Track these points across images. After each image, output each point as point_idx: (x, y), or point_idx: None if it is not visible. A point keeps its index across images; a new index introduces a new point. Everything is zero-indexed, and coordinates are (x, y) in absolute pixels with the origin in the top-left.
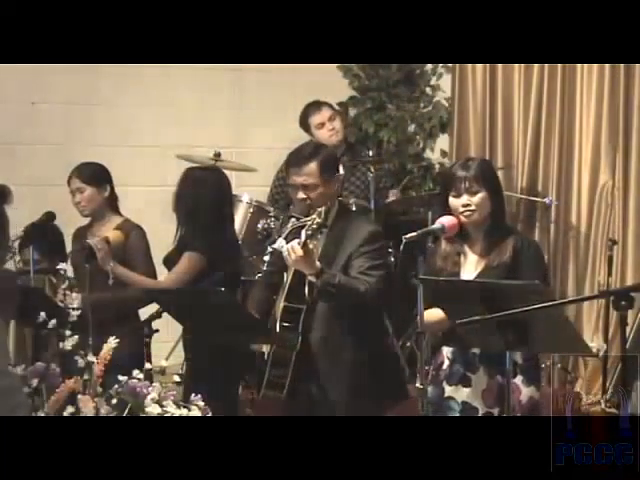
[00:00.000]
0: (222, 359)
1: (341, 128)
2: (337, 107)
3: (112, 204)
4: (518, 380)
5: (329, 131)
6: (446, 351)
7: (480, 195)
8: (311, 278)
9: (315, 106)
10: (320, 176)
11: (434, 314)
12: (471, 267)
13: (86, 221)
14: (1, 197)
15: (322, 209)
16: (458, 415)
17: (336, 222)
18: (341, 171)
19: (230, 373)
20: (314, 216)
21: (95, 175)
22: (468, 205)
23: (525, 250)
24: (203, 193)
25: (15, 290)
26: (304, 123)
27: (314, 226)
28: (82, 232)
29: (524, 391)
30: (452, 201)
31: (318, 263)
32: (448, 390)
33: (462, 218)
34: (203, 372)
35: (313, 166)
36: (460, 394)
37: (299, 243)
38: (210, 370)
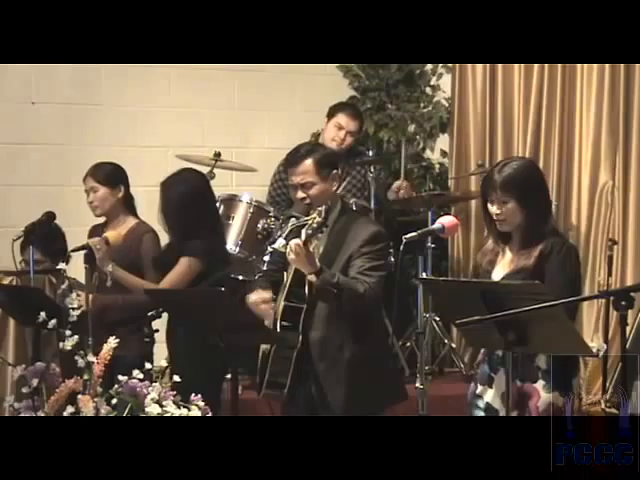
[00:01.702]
0: (203, 356)
1: (348, 144)
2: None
3: (127, 205)
4: (539, 385)
5: (338, 136)
6: (482, 350)
7: (509, 206)
8: (310, 277)
9: (353, 111)
10: (317, 174)
11: None
12: (502, 267)
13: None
14: None
15: (322, 208)
16: (483, 414)
17: (338, 221)
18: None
19: (211, 370)
20: (314, 215)
21: (109, 175)
22: (498, 214)
23: (553, 256)
24: (179, 193)
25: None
26: (332, 112)
27: (314, 225)
28: (97, 230)
29: (543, 397)
30: (489, 206)
31: (317, 262)
32: (479, 389)
33: (497, 225)
34: (183, 369)
35: (309, 164)
36: (487, 394)
37: (299, 242)
38: (190, 367)
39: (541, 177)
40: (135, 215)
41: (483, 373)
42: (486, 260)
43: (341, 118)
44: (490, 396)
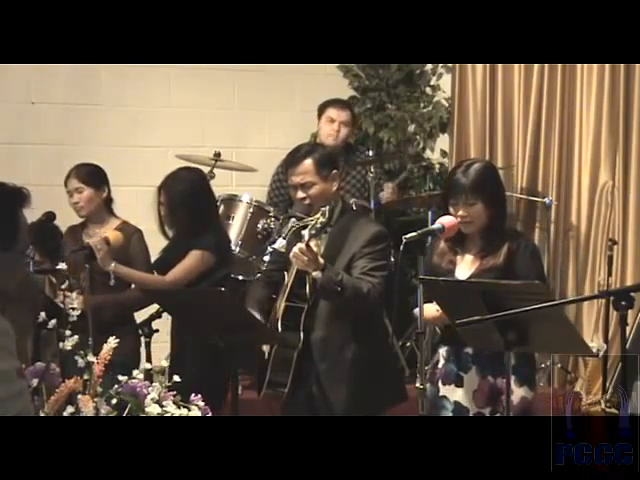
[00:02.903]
0: (208, 357)
1: (344, 136)
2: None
3: (108, 205)
4: (510, 380)
5: (332, 129)
6: (442, 350)
7: (476, 207)
8: (315, 274)
9: (342, 104)
10: (317, 174)
11: (431, 310)
12: (466, 266)
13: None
14: (17, 200)
15: (326, 208)
16: (451, 414)
17: (339, 221)
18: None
19: (215, 371)
20: (318, 215)
21: (94, 176)
22: (465, 216)
23: (520, 253)
24: (179, 192)
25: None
26: (322, 108)
27: (318, 226)
28: (76, 231)
29: (516, 391)
30: (450, 208)
31: (322, 259)
32: (443, 389)
33: (459, 226)
34: (188, 369)
35: (309, 164)
36: (454, 394)
37: (302, 246)
38: (195, 367)
39: (499, 178)
40: (116, 215)
41: (449, 373)
42: (446, 260)
43: (330, 112)
44: (460, 395)
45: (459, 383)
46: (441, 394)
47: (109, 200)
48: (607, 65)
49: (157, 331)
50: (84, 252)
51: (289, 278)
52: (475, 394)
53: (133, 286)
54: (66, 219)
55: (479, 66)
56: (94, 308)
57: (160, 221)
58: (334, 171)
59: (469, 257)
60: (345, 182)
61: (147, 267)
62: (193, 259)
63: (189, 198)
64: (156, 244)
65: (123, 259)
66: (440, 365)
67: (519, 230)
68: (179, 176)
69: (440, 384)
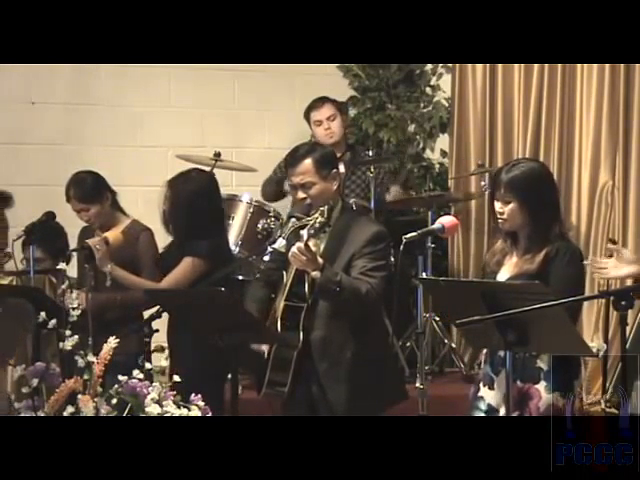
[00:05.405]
0: (205, 356)
1: (339, 130)
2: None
3: (115, 206)
4: (540, 386)
5: (325, 130)
6: (484, 351)
7: (510, 206)
8: (314, 274)
9: (319, 102)
10: (316, 173)
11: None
12: (507, 270)
13: None
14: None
15: (325, 208)
16: (484, 415)
17: (339, 221)
18: (341, 170)
19: (213, 370)
20: (317, 215)
21: (93, 191)
22: (501, 213)
23: (557, 260)
24: (187, 193)
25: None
26: (307, 116)
27: (317, 225)
28: (89, 231)
29: (544, 398)
30: (495, 203)
31: (320, 259)
32: (482, 391)
33: (499, 223)
34: (186, 368)
35: (308, 164)
36: (488, 396)
37: (301, 246)
38: (192, 367)
39: (549, 181)
40: (125, 213)
41: (485, 374)
42: (494, 260)
43: (313, 115)
44: (491, 397)
45: (492, 385)
46: (479, 395)
47: (115, 201)
48: (607, 65)
49: (157, 331)
50: (84, 252)
51: (288, 278)
52: (505, 397)
53: None
54: (67, 219)
55: (479, 66)
56: (99, 307)
57: (163, 216)
58: (334, 170)
59: (514, 260)
60: (350, 182)
61: (155, 265)
62: (184, 266)
63: (192, 200)
64: (158, 243)
65: (131, 258)
66: (482, 366)
67: (567, 236)
68: (188, 176)
69: (481, 385)
